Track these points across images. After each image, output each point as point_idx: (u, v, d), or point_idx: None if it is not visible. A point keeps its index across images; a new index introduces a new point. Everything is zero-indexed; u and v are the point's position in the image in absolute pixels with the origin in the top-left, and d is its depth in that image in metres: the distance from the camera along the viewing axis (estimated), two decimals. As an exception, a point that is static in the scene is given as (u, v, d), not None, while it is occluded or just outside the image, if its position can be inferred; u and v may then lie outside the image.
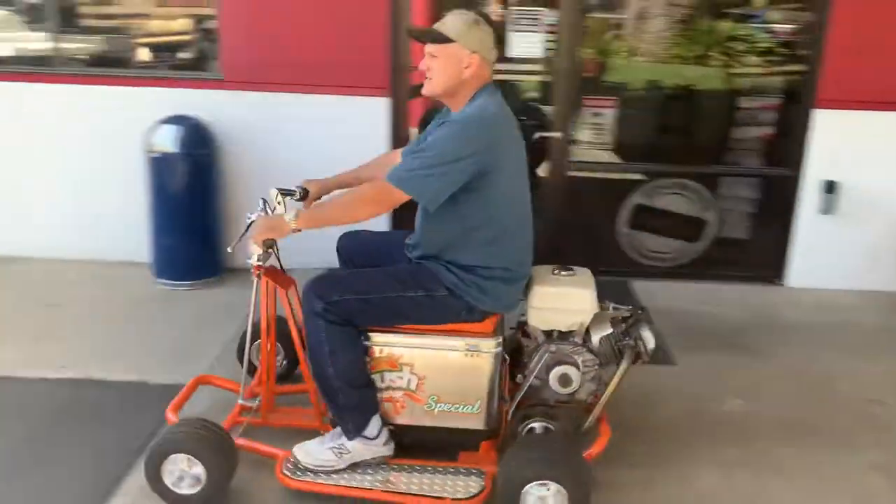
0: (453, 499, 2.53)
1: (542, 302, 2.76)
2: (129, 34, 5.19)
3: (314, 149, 4.69)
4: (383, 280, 2.64)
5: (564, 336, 2.80)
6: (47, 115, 4.88)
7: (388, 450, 2.73)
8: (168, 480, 2.55)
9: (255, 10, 4.64)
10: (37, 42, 5.03)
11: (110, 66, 5.05)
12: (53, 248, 5.00)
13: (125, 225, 4.88)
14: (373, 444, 2.69)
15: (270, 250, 2.69)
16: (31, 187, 4.99)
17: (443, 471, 2.69)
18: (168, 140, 4.47)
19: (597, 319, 2.79)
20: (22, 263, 4.97)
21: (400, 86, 4.78)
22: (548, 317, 2.78)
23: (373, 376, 2.70)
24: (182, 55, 5.21)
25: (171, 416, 2.86)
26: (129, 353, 3.81)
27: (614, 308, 2.90)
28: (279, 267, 2.90)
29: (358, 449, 2.68)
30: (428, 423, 2.75)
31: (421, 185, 2.46)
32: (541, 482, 2.39)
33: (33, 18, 5.15)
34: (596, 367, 2.77)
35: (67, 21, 4.97)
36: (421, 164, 2.46)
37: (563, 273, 2.85)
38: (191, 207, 4.60)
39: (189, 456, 2.51)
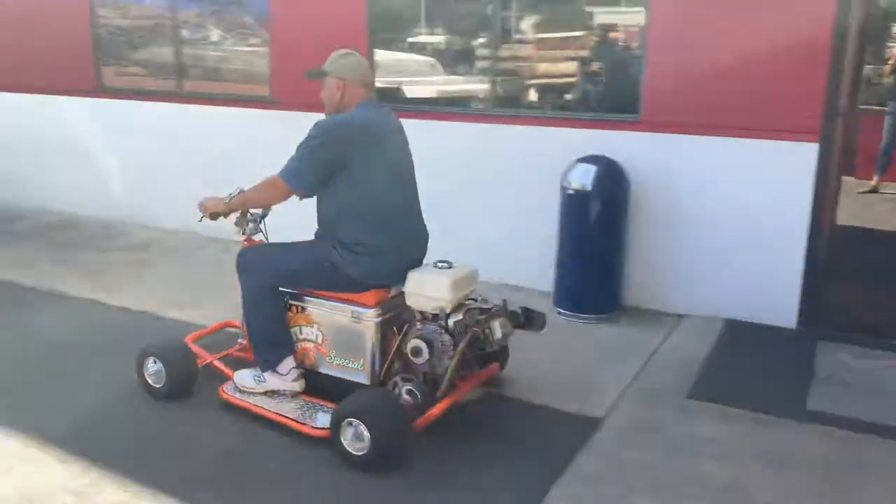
0: (312, 426, 3.29)
1: (410, 286, 3.34)
2: (523, 75, 5.51)
3: (728, 194, 4.56)
4: (293, 252, 3.51)
5: (435, 317, 3.30)
6: (464, 149, 5.42)
7: (297, 386, 3.54)
8: (148, 375, 3.72)
9: (681, 55, 4.65)
10: (457, 84, 5.69)
11: (517, 106, 5.48)
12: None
13: (530, 254, 5.22)
14: (283, 378, 3.52)
15: (257, 226, 3.75)
16: (450, 212, 5.57)
17: (323, 408, 3.40)
18: (583, 178, 4.67)
19: (459, 308, 3.32)
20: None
21: (832, 131, 4.41)
22: (415, 300, 3.34)
23: (293, 329, 3.57)
24: (589, 96, 5.43)
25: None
26: (537, 378, 4.02)
27: (482, 301, 3.44)
28: (265, 240, 3.80)
29: (271, 380, 3.54)
30: (329, 372, 3.54)
31: (289, 170, 3.28)
32: (350, 420, 3.07)
33: (451, 63, 5.85)
34: (452, 345, 3.23)
35: (486, 64, 5.48)
36: (291, 157, 3.30)
37: (440, 265, 3.39)
38: (599, 244, 4.75)
39: (154, 357, 3.69)
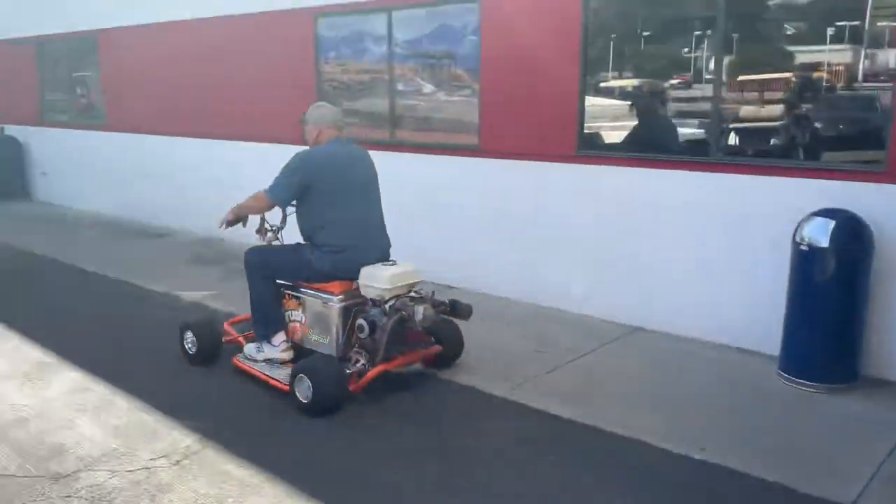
0: (286, 385, 4.26)
1: (361, 279, 4.28)
2: (743, 120, 5.19)
3: None
4: (282, 253, 4.66)
5: (377, 303, 4.24)
6: (674, 199, 5.19)
7: (286, 355, 4.61)
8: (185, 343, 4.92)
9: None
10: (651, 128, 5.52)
11: (737, 153, 5.16)
12: (673, 324, 5.27)
13: (752, 313, 4.85)
14: (275, 349, 4.62)
15: (275, 235, 4.82)
16: (660, 265, 5.34)
17: None
18: (819, 233, 4.28)
19: (395, 296, 4.22)
20: (649, 336, 5.38)
21: None
22: (364, 289, 4.29)
23: (286, 312, 4.65)
24: (819, 144, 5.00)
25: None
26: (766, 450, 3.69)
27: (415, 292, 4.33)
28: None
29: (267, 350, 4.63)
30: (310, 346, 4.55)
31: (271, 187, 4.41)
32: (300, 375, 4.10)
33: (656, 106, 5.67)
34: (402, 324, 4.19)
35: (698, 107, 5.19)
36: (274, 178, 4.40)
37: (386, 264, 4.34)
38: (835, 305, 4.31)
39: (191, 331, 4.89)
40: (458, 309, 4.40)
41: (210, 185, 8.67)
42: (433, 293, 4.38)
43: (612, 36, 5.79)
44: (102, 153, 10.20)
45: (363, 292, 4.32)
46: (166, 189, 9.30)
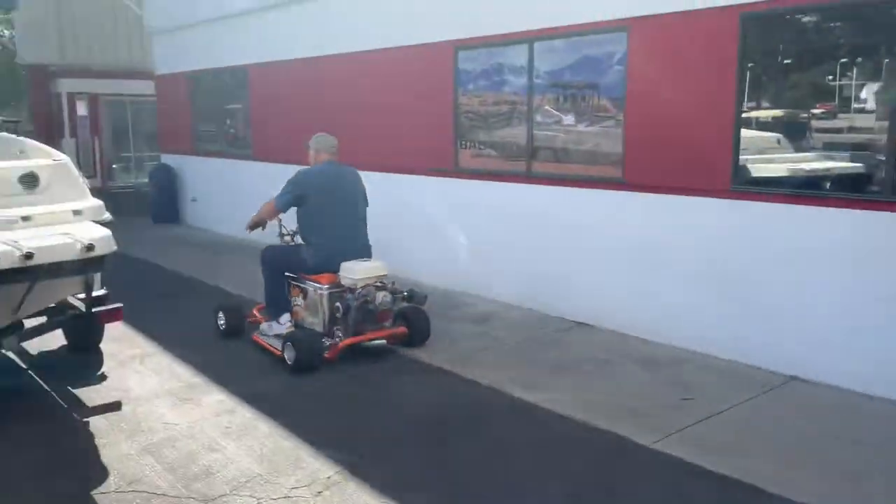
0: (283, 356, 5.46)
1: (341, 271, 5.51)
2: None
3: None
4: (287, 250, 5.90)
5: (352, 290, 5.45)
6: (839, 242, 4.79)
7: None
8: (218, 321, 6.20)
9: None
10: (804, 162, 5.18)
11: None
12: (835, 374, 4.83)
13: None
14: (282, 327, 5.80)
15: (292, 238, 6.01)
16: (822, 310, 4.92)
17: None
18: None
19: (365, 285, 5.45)
20: (807, 386, 4.95)
21: None
22: (343, 279, 5.50)
23: (292, 298, 5.84)
24: None
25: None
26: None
27: (380, 283, 5.51)
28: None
29: (275, 328, 5.82)
30: (307, 325, 5.74)
31: (277, 197, 5.68)
32: (287, 342, 5.40)
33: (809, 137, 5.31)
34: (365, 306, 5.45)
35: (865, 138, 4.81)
36: (279, 191, 5.69)
37: (360, 260, 5.55)
38: None
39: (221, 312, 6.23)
40: (414, 296, 5.63)
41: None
42: (393, 283, 5.63)
43: (770, 65, 5.47)
44: (247, 181, 10.71)
45: (343, 282, 5.52)
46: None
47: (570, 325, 6.39)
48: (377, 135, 8.36)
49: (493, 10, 6.85)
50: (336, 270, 5.54)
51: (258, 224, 5.84)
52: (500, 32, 6.78)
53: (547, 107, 6.57)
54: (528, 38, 6.53)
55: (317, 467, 3.92)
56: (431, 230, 7.75)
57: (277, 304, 5.92)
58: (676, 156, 5.62)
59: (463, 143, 7.38)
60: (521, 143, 6.79)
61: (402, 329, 5.75)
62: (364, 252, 5.71)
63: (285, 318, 5.87)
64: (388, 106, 8.16)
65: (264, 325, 5.98)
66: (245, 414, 4.63)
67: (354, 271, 5.44)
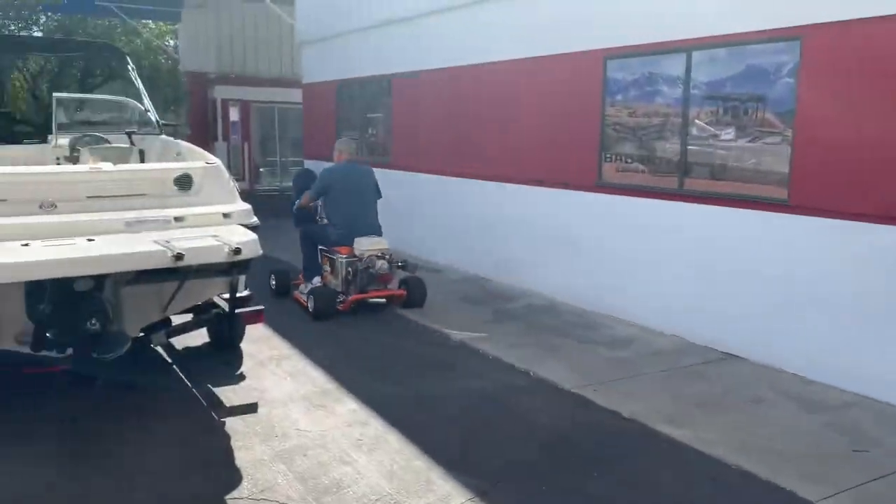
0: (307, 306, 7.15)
1: (354, 244, 7.08)
2: None
3: None
4: (317, 228, 7.61)
5: (360, 259, 7.05)
6: None
7: None
8: (270, 283, 7.94)
9: None
10: None
11: None
12: None
13: None
14: (315, 286, 7.33)
15: (321, 218, 7.69)
16: None
17: None
18: None
19: (370, 255, 7.02)
20: None
21: None
22: (355, 251, 7.07)
23: (322, 265, 7.49)
24: None
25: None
26: None
27: (382, 253, 7.04)
28: None
29: (309, 287, 7.35)
30: (332, 286, 7.27)
31: (310, 192, 7.47)
32: (310, 296, 7.05)
33: None
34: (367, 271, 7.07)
35: None
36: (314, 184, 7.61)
37: (369, 237, 7.11)
38: None
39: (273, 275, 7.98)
40: (407, 265, 7.37)
41: (480, 226, 8.77)
42: (391, 254, 7.15)
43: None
44: (384, 188, 10.83)
45: (355, 253, 7.08)
46: (438, 226, 9.59)
47: (718, 355, 5.92)
48: (514, 146, 8.17)
49: (649, 17, 6.49)
50: (352, 244, 7.09)
51: (303, 208, 7.56)
52: (656, 41, 6.41)
53: (699, 120, 6.13)
54: (687, 47, 6.12)
55: (448, 491, 3.75)
56: (568, 245, 7.46)
57: (311, 270, 7.51)
58: (854, 178, 5.05)
59: (608, 156, 7.04)
60: (672, 157, 6.38)
61: (401, 291, 7.32)
62: (374, 231, 7.29)
63: (317, 280, 7.40)
64: (528, 117, 7.95)
65: (301, 286, 7.57)
66: (377, 426, 4.55)
67: (362, 244, 7.06)
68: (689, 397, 5.07)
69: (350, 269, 7.05)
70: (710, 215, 6.07)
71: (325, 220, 7.52)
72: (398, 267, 7.26)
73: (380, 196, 7.55)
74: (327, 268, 7.39)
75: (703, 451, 4.22)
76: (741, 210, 5.80)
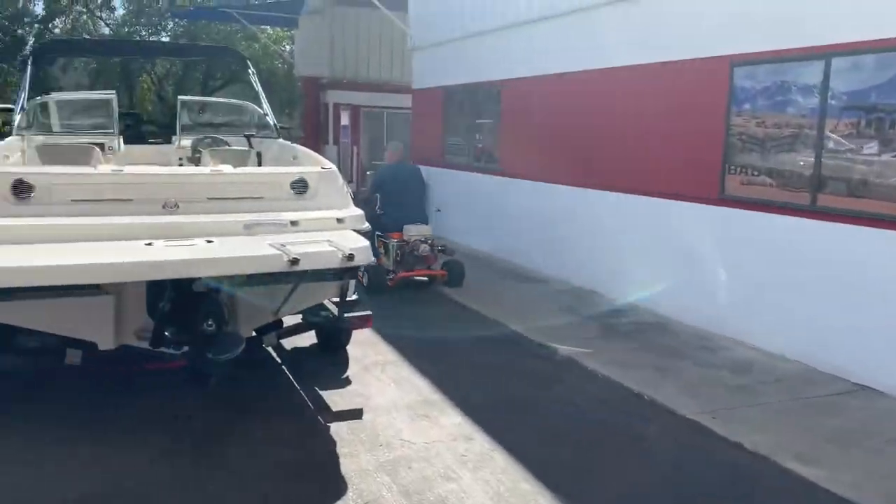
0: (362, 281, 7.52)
1: (403, 231, 8.40)
2: None
3: None
4: (376, 218, 8.17)
5: (408, 242, 8.37)
6: None
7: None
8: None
9: None
10: None
11: None
12: None
13: None
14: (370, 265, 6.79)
15: (378, 210, 8.74)
16: None
17: None
18: None
19: (416, 240, 8.36)
20: None
21: None
22: (404, 236, 8.35)
23: (378, 248, 8.40)
24: None
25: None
26: None
27: (425, 238, 8.37)
28: None
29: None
30: (385, 266, 8.43)
31: (370, 184, 9.42)
32: (364, 272, 6.48)
33: None
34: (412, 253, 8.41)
35: None
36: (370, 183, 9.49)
37: (416, 224, 8.43)
38: None
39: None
40: (446, 249, 8.50)
41: (587, 237, 8.51)
42: (433, 240, 8.39)
43: None
44: (491, 195, 10.73)
45: (404, 238, 8.26)
46: (543, 235, 9.38)
47: (850, 386, 5.45)
48: (628, 155, 7.87)
49: (781, 22, 6.08)
50: (402, 231, 8.34)
51: (365, 201, 8.24)
52: (789, 47, 5.99)
53: (835, 133, 5.67)
54: (825, 54, 5.69)
55: (556, 519, 3.58)
56: (684, 260, 7.10)
57: (373, 251, 8.57)
58: None
59: (732, 168, 6.65)
60: (805, 171, 5.94)
61: (442, 272, 8.55)
62: (421, 219, 8.61)
63: (373, 260, 8.30)
64: (643, 125, 7.64)
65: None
66: (482, 442, 4.42)
67: (410, 231, 8.32)
68: (820, 431, 4.67)
69: (399, 251, 8.33)
70: (845, 234, 5.61)
71: (381, 212, 8.59)
72: (439, 251, 8.47)
73: (425, 188, 9.41)
74: (382, 250, 8.51)
75: (841, 495, 3.86)
76: (882, 230, 5.33)
